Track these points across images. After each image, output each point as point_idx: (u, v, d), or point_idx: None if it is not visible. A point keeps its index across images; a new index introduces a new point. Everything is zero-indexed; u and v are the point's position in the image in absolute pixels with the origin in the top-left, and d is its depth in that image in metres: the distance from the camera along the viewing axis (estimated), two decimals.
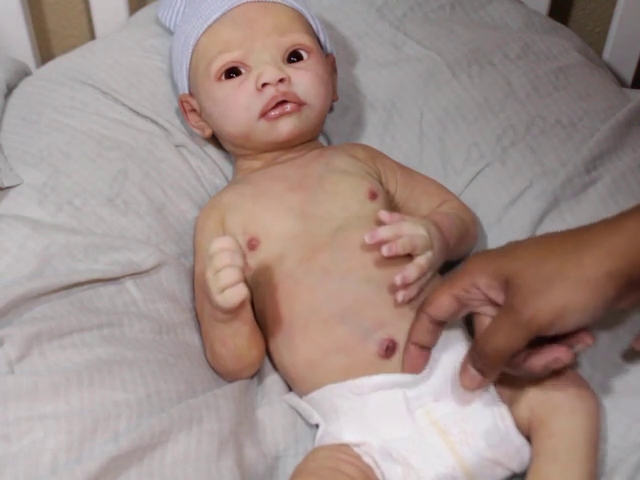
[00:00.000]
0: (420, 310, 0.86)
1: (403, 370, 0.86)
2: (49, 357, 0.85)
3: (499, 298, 0.80)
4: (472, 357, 0.82)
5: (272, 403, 0.93)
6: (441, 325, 0.86)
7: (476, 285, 0.81)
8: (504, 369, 0.81)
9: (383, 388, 0.86)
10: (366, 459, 0.86)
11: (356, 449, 0.86)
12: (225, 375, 0.95)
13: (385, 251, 0.87)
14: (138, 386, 0.85)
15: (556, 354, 0.79)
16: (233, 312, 0.88)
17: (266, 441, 0.91)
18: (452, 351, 0.88)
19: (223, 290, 0.84)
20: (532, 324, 0.76)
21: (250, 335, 0.92)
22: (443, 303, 0.83)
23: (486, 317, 0.83)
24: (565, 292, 0.75)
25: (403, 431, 0.85)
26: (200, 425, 0.85)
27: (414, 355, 0.86)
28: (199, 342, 0.97)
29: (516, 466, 0.85)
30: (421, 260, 0.89)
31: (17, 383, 0.81)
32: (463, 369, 0.83)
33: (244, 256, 0.85)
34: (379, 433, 0.86)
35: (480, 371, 0.81)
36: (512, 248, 0.82)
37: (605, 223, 0.78)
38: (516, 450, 0.84)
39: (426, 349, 0.86)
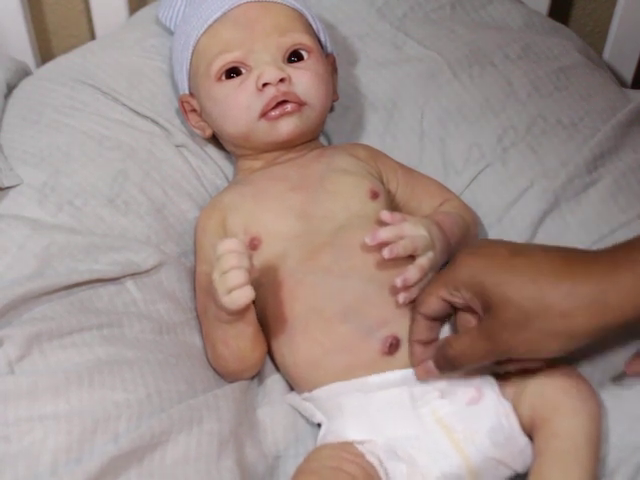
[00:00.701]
0: (414, 311, 0.87)
1: (412, 366, 0.86)
2: (49, 357, 0.85)
3: (480, 311, 0.81)
4: (436, 355, 0.83)
5: (273, 403, 0.93)
6: (438, 320, 0.87)
7: (460, 292, 0.82)
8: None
9: (389, 386, 0.86)
10: (369, 458, 0.85)
11: (360, 447, 0.86)
12: (226, 376, 0.95)
13: (386, 254, 0.87)
14: (138, 386, 0.85)
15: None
16: (239, 314, 0.87)
17: (267, 441, 0.91)
18: None
19: (230, 291, 0.84)
20: (504, 354, 0.80)
21: (253, 336, 0.91)
22: (433, 303, 0.85)
23: (466, 315, 0.84)
24: (543, 337, 0.76)
25: (408, 429, 0.85)
26: (200, 426, 0.85)
27: (419, 352, 0.86)
28: (199, 342, 0.96)
29: (519, 466, 0.85)
30: (422, 261, 0.89)
31: (17, 383, 0.81)
32: (422, 359, 0.85)
33: (250, 258, 0.85)
34: (384, 431, 0.86)
35: (439, 368, 0.83)
36: (500, 266, 0.80)
37: (600, 266, 0.76)
38: (520, 451, 0.84)
39: (429, 344, 0.86)
